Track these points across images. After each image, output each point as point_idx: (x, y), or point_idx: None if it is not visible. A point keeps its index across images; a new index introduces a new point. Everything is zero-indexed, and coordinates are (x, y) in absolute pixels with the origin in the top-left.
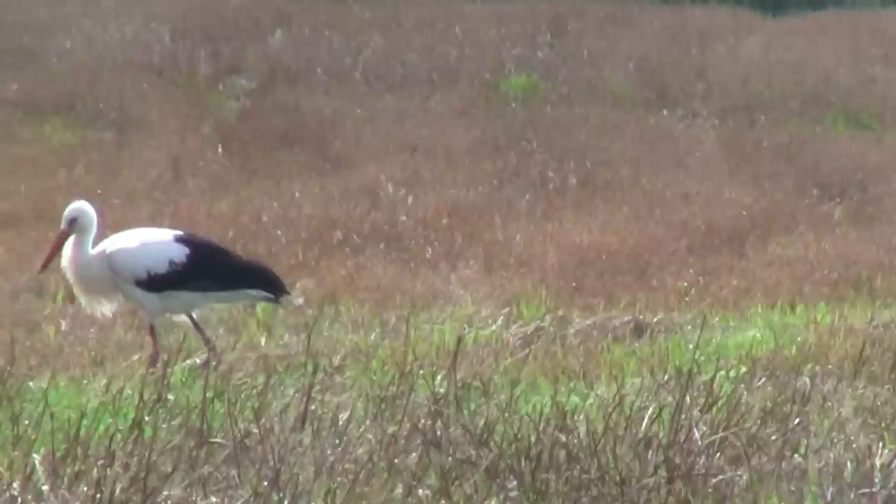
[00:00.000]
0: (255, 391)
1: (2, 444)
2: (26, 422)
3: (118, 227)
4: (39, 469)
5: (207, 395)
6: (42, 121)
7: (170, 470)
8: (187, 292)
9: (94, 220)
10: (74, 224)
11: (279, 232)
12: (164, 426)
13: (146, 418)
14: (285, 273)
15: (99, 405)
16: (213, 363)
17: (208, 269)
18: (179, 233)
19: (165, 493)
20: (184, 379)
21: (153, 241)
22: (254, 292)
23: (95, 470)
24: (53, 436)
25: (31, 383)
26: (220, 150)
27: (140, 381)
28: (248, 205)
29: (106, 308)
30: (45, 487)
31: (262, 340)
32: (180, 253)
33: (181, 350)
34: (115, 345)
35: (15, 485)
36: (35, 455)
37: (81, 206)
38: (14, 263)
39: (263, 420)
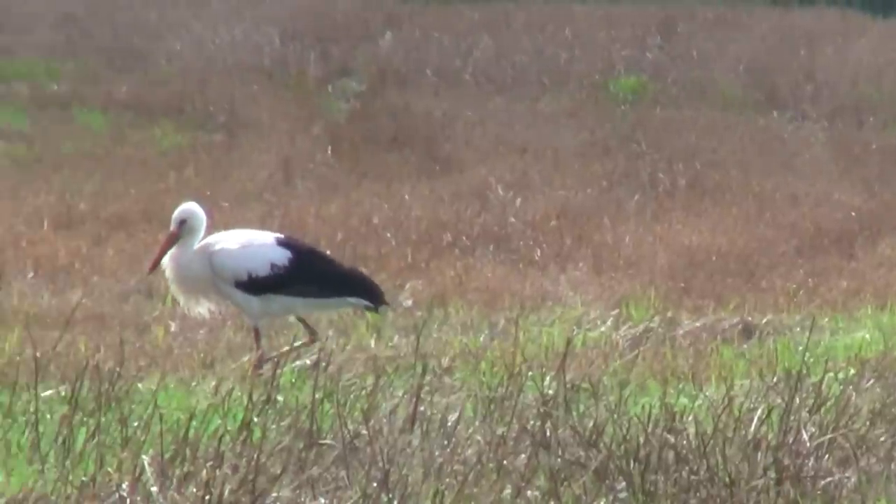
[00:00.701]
0: (364, 392)
1: (111, 446)
2: (135, 423)
3: (228, 229)
4: (148, 470)
5: (317, 396)
6: (152, 123)
7: (278, 471)
8: (287, 296)
9: (203, 222)
10: (184, 225)
11: (389, 234)
12: (273, 427)
13: (255, 420)
14: (394, 275)
15: (208, 406)
16: (323, 364)
17: (309, 274)
18: (281, 236)
19: (274, 494)
20: (293, 380)
21: (256, 244)
22: (353, 300)
23: (204, 471)
24: (162, 437)
25: (140, 385)
26: (329, 152)
27: (249, 382)
28: (357, 207)
29: (203, 308)
30: (154, 489)
31: (372, 342)
32: (282, 256)
33: (291, 351)
34: (224, 346)
35: (124, 486)
36: (144, 456)
37: (191, 208)
38: (124, 265)
39: (372, 421)
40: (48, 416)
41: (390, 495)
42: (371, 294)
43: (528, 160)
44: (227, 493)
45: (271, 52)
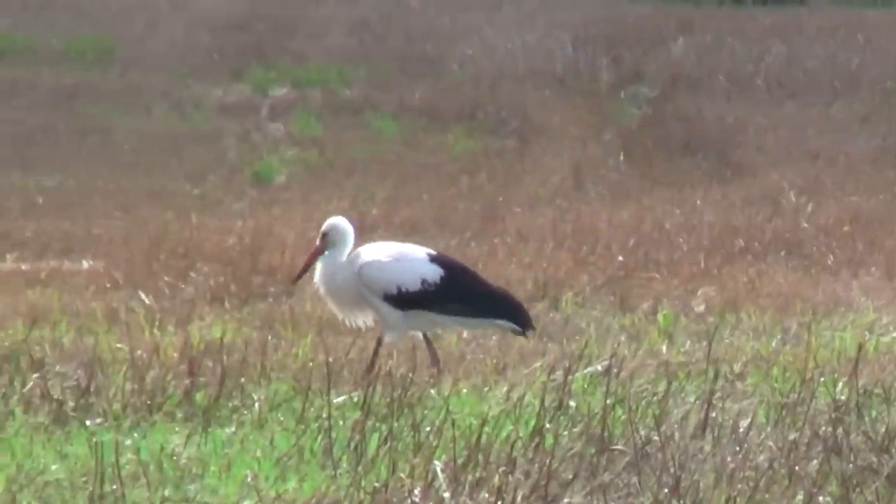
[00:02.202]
0: (655, 398)
1: (403, 451)
2: (428, 429)
3: (521, 234)
4: (440, 476)
5: (608, 402)
6: (444, 129)
7: (570, 477)
8: (435, 314)
9: (346, 235)
10: (326, 238)
11: (681, 239)
12: (564, 433)
13: (547, 425)
14: (686, 280)
15: (500, 412)
16: (615, 370)
17: (459, 292)
18: (433, 252)
19: (566, 500)
20: (585, 386)
21: (408, 258)
22: (501, 322)
23: (496, 477)
24: (454, 443)
25: (432, 391)
26: (621, 158)
27: (541, 388)
28: (649, 212)
29: (360, 320)
30: (446, 494)
31: (664, 348)
32: (434, 273)
33: (582, 357)
34: (516, 352)
35: (416, 492)
36: (436, 462)
37: (334, 222)
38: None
39: (664, 427)
40: (341, 422)
41: (681, 501)
42: (519, 317)
43: (819, 165)
44: (519, 498)
45: (563, 58)
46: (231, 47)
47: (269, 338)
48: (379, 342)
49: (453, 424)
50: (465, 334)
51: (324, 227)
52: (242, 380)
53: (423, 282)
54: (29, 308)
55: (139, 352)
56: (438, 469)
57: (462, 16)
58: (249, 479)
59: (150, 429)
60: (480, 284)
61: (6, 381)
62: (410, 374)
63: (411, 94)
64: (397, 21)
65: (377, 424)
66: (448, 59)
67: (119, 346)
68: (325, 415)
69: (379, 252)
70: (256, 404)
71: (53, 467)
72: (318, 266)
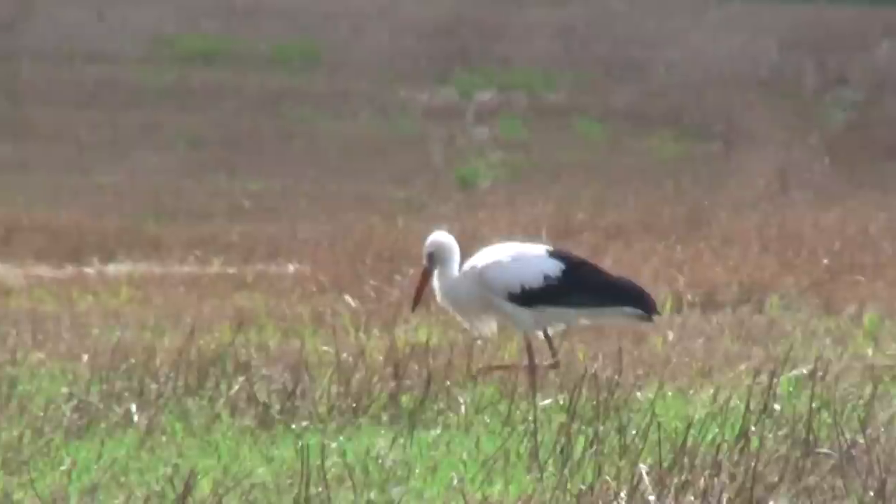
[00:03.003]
0: (860, 401)
1: (609, 454)
2: (633, 432)
3: (726, 237)
4: (646, 479)
5: (813, 405)
6: (650, 133)
7: (775, 480)
8: (560, 308)
9: (450, 249)
10: (432, 258)
11: (885, 243)
12: (769, 436)
13: (752, 428)
14: (892, 283)
15: (706, 415)
16: (819, 374)
17: (582, 284)
18: (551, 248)
19: (771, 503)
20: (790, 389)
21: (528, 256)
22: (627, 309)
23: (702, 480)
24: (660, 446)
25: (638, 394)
26: (826, 162)
27: (746, 391)
28: (854, 216)
29: (485, 327)
30: (652, 497)
31: (869, 351)
32: (555, 268)
33: (787, 360)
34: (721, 355)
35: (622, 494)
36: (642, 465)
37: (435, 240)
38: (622, 274)
39: (869, 430)
40: (546, 425)
41: None
42: (644, 303)
43: None
44: (724, 501)
45: (768, 63)
46: (437, 52)
47: (476, 341)
48: (528, 344)
49: (659, 427)
50: (671, 336)
51: (427, 248)
52: (448, 382)
53: (546, 277)
54: (235, 311)
55: (345, 354)
56: (644, 472)
57: (667, 20)
58: (455, 482)
59: (355, 431)
60: (601, 275)
61: (213, 385)
62: (616, 377)
63: (617, 99)
64: (603, 26)
65: (583, 427)
66: (653, 64)
67: (325, 348)
68: (530, 417)
69: (498, 254)
70: (462, 407)
71: (259, 470)
72: (436, 286)
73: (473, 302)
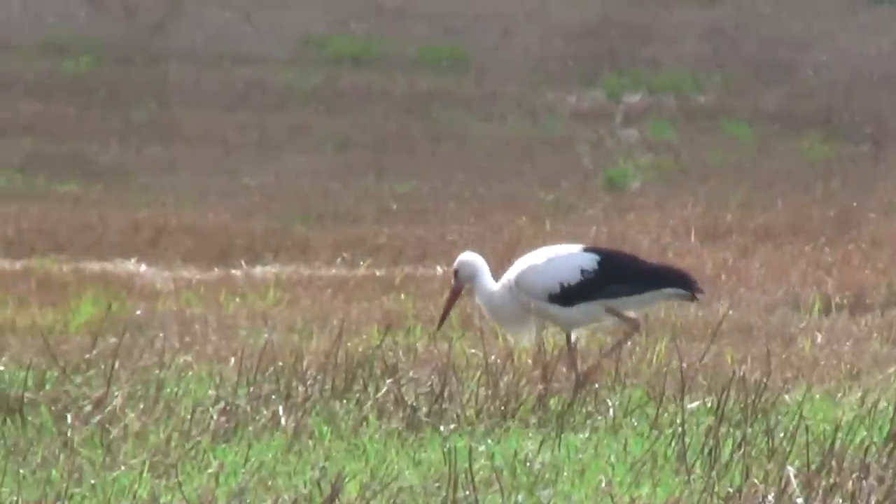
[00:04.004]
0: None
1: (757, 457)
2: (781, 434)
3: (876, 240)
4: (794, 481)
5: None
6: (799, 135)
7: None
8: (602, 300)
9: (477, 266)
10: (458, 275)
11: None
12: None
13: None
14: None
15: (854, 418)
16: None
17: (620, 273)
18: (583, 245)
19: None
20: None
21: (562, 255)
22: (670, 290)
23: (850, 483)
24: (808, 448)
25: (786, 396)
26: None
27: (895, 393)
28: None
29: (526, 337)
30: (800, 500)
31: None
32: (591, 261)
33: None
34: (870, 357)
35: (770, 497)
36: (790, 467)
37: (462, 259)
38: (770, 277)
39: None
40: (694, 428)
41: None
42: (685, 282)
43: None
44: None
45: None
46: (585, 54)
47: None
48: (570, 347)
49: (807, 430)
50: (819, 338)
51: (454, 266)
52: (596, 385)
53: (583, 272)
54: (383, 314)
55: (493, 357)
56: (792, 475)
57: (816, 21)
58: (603, 485)
59: (503, 434)
60: (637, 262)
61: (360, 387)
62: (764, 380)
63: (765, 100)
64: (751, 27)
65: (731, 430)
66: (802, 65)
67: (473, 351)
68: (678, 420)
69: (531, 259)
70: (610, 410)
71: (407, 473)
72: (478, 301)
73: (514, 311)
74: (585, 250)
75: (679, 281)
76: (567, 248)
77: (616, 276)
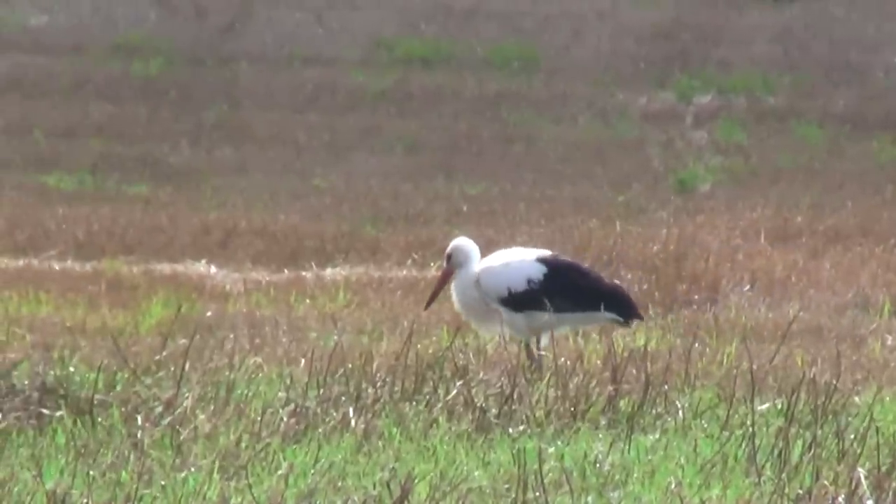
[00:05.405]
0: None
1: (827, 459)
2: (851, 436)
3: None
4: (864, 483)
5: None
6: (869, 137)
7: None
8: (546, 312)
9: (469, 254)
10: (450, 260)
11: None
12: None
13: None
14: None
15: None
16: None
17: (563, 288)
18: (544, 253)
19: None
20: None
21: (516, 261)
22: (605, 315)
23: None
24: (878, 451)
25: (856, 398)
26: None
27: None
28: None
29: (488, 330)
30: (870, 502)
31: None
32: (538, 272)
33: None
34: None
35: (840, 499)
36: (860, 469)
37: (457, 243)
38: (840, 278)
39: None
40: (764, 429)
41: None
42: (623, 308)
43: None
44: None
45: None
46: (655, 55)
47: (694, 345)
48: (528, 348)
49: (877, 432)
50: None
51: (448, 250)
52: (666, 387)
53: (529, 281)
54: (453, 316)
55: (563, 359)
56: (862, 476)
57: (887, 23)
58: (673, 486)
59: (573, 436)
60: (585, 279)
61: (430, 389)
62: (834, 382)
63: (836, 102)
64: (821, 29)
65: (801, 431)
66: (873, 67)
67: (542, 353)
68: (748, 422)
69: (493, 259)
70: (680, 411)
71: (476, 474)
72: (453, 284)
73: (477, 304)
74: (539, 259)
75: (618, 307)
76: (523, 253)
77: (560, 291)
